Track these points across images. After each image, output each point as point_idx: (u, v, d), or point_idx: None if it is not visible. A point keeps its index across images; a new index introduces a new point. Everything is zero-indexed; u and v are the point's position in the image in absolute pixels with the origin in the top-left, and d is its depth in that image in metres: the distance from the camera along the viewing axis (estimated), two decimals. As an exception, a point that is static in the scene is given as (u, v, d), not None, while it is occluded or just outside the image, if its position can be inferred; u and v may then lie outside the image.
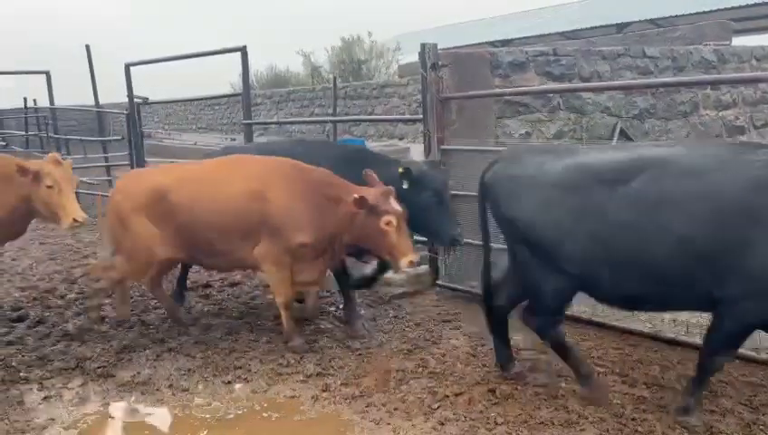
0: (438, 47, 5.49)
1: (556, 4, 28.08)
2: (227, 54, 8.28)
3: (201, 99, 19.08)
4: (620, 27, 19.78)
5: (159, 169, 5.35)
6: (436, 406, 3.63)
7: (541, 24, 24.02)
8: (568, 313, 4.05)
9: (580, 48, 6.70)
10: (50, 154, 5.31)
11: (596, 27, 20.65)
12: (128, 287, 5.16)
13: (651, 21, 18.72)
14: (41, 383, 4.10)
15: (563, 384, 3.83)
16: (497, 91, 5.58)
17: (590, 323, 4.71)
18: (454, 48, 6.97)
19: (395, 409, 3.63)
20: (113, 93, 11.84)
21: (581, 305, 4.71)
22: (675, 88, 7.06)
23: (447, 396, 3.73)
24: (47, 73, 11.98)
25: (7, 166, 5.03)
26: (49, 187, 4.89)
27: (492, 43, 20.63)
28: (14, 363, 4.36)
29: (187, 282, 6.21)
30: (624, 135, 6.40)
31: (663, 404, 3.54)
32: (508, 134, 5.74)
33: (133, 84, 9.32)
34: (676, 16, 18.09)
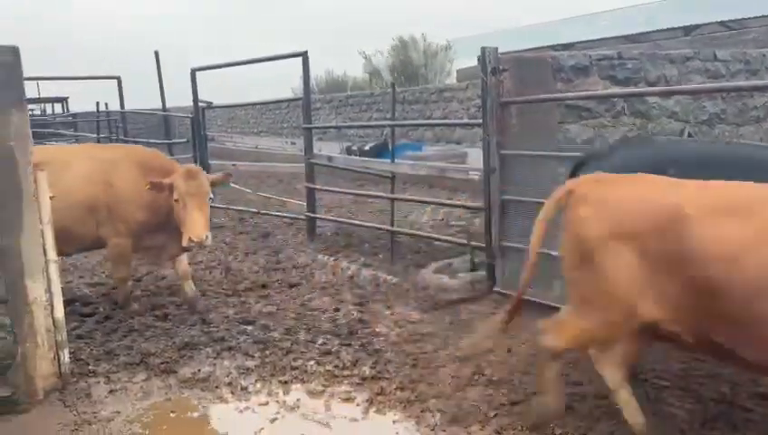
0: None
1: (617, 7, 27.37)
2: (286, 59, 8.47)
3: (263, 103, 19.48)
4: (688, 30, 19.12)
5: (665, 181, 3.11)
6: (492, 414, 3.57)
7: (603, 27, 23.45)
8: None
9: (645, 51, 6.49)
10: (186, 166, 5.28)
11: (662, 30, 20.02)
12: (561, 369, 3.48)
13: (721, 23, 18.00)
14: (107, 377, 4.25)
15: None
16: (559, 95, 5.45)
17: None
18: (513, 52, 6.88)
19: (451, 415, 3.60)
20: (172, 97, 12.23)
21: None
22: (747, 92, 6.75)
23: (504, 405, 3.67)
24: (118, 79, 12.49)
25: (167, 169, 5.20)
26: (175, 201, 4.96)
27: (552, 47, 20.28)
28: (83, 356, 4.53)
29: (246, 283, 6.37)
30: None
31: (733, 423, 3.38)
32: (570, 139, 5.60)
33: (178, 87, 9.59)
34: (748, 18, 17.32)
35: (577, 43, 21.59)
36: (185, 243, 4.90)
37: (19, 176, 3.73)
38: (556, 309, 5.04)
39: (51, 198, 4.02)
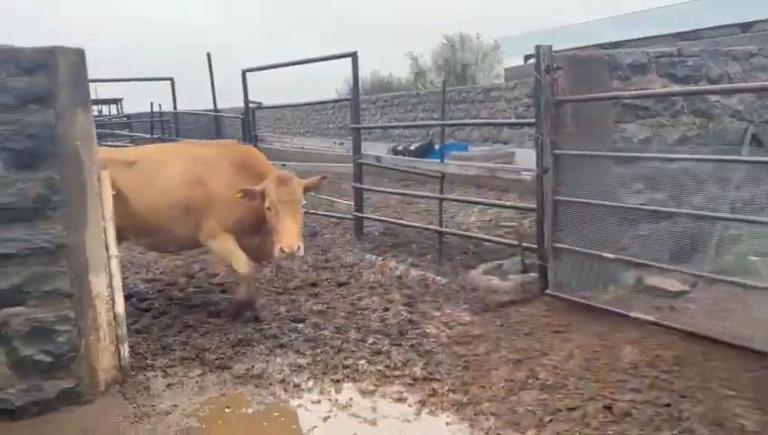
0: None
1: (665, 5, 26.60)
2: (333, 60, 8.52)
3: (311, 104, 19.66)
4: (745, 27, 18.47)
5: None
6: (548, 419, 3.51)
7: (655, 25, 22.85)
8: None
9: (706, 48, 6.29)
10: (278, 172, 5.11)
11: (717, 27, 19.40)
12: None
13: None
14: (164, 371, 4.35)
15: (686, 405, 3.59)
16: (615, 93, 5.34)
17: (716, 341, 4.37)
18: (568, 49, 6.75)
19: (505, 419, 3.55)
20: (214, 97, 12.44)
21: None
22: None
23: (560, 410, 3.59)
24: (171, 80, 12.80)
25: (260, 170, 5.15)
26: (267, 209, 4.82)
27: (601, 46, 19.87)
28: (140, 351, 4.65)
29: (296, 281, 6.44)
30: (756, 141, 5.94)
31: (804, 435, 3.24)
32: (627, 139, 5.47)
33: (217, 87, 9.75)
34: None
35: (626, 41, 21.12)
36: (276, 253, 4.75)
37: (84, 174, 3.84)
38: (609, 312, 4.96)
39: (113, 195, 4.13)
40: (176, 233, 5.27)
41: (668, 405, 3.57)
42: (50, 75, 3.66)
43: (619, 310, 4.94)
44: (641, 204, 5.43)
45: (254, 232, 5.21)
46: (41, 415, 3.74)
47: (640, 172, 5.50)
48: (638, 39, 20.88)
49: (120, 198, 5.03)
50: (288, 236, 4.69)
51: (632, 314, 4.77)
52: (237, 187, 4.92)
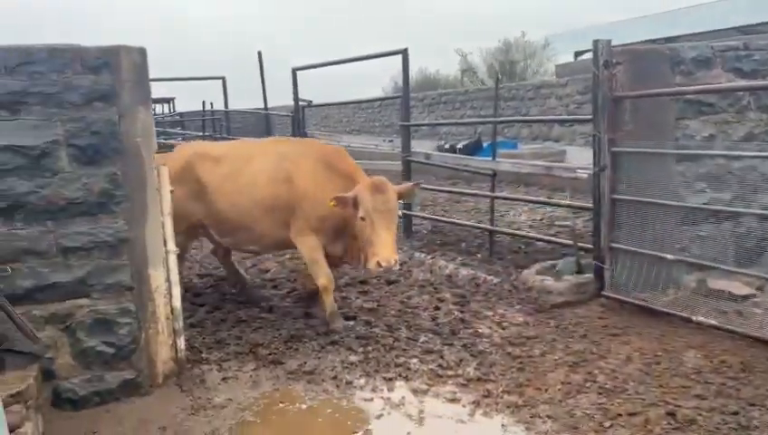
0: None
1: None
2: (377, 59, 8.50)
3: (360, 102, 19.74)
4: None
5: None
6: (608, 424, 3.41)
7: (711, 19, 22.05)
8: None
9: (775, 41, 6.01)
10: (372, 178, 4.76)
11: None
12: None
13: None
14: (219, 365, 4.41)
15: (755, 413, 3.44)
16: (678, 89, 5.15)
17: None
18: (622, 45, 6.55)
19: (562, 422, 3.47)
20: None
21: None
22: None
23: (620, 415, 3.49)
24: (223, 79, 13.02)
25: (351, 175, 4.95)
26: (361, 218, 4.51)
27: (653, 42, 19.28)
28: (196, 344, 4.73)
29: (345, 278, 6.45)
30: (828, 138, 5.65)
31: None
32: (689, 136, 5.28)
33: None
34: None
35: (681, 36, 20.44)
36: (371, 266, 4.44)
37: (144, 170, 3.93)
38: (669, 315, 4.80)
39: (171, 191, 4.21)
40: (263, 232, 5.14)
41: (736, 413, 3.43)
42: (114, 74, 3.76)
43: (680, 313, 4.77)
44: (704, 203, 5.24)
45: (339, 235, 5.02)
46: (102, 405, 3.85)
47: (703, 171, 5.31)
48: (694, 34, 20.20)
49: (205, 193, 5.17)
50: (385, 248, 4.37)
51: (695, 318, 4.60)
52: (324, 186, 4.80)
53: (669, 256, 5.02)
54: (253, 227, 5.13)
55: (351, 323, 5.14)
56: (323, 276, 4.97)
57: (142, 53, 3.90)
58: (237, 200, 5.10)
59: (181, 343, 4.26)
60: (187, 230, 5.36)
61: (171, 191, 4.24)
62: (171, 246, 4.19)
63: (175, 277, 4.21)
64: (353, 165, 5.18)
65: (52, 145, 3.65)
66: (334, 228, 4.96)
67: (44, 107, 3.63)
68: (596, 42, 5.19)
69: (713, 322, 4.55)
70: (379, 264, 4.37)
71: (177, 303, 4.23)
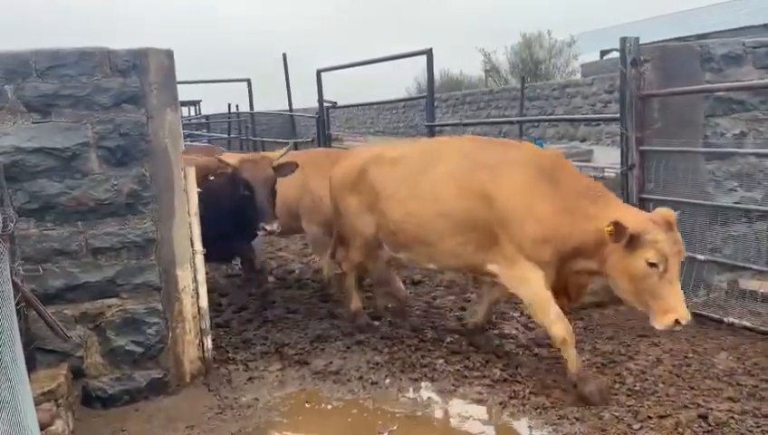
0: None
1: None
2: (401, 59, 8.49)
3: (384, 102, 19.75)
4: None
5: None
6: (637, 427, 3.35)
7: (740, 16, 21.62)
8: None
9: (809, 36, 5.86)
10: (660, 211, 3.57)
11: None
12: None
13: None
14: (246, 365, 4.44)
15: (791, 418, 3.35)
16: (707, 86, 5.05)
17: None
18: (649, 43, 6.46)
19: (590, 425, 3.42)
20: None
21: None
22: None
23: (650, 417, 3.43)
24: (248, 81, 13.12)
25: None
26: (651, 265, 3.40)
27: (681, 39, 18.94)
28: (222, 344, 4.77)
29: (370, 278, 6.44)
30: None
31: None
32: (719, 134, 5.17)
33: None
34: None
35: (710, 33, 20.05)
36: (666, 324, 3.41)
37: (172, 171, 3.97)
38: (700, 316, 4.71)
39: (198, 192, 4.24)
40: (442, 249, 4.25)
41: (771, 416, 3.35)
42: (142, 76, 3.81)
43: (711, 314, 4.68)
44: (735, 203, 5.12)
45: (567, 265, 3.91)
46: (131, 403, 3.90)
47: (734, 169, 5.19)
48: (723, 31, 19.81)
49: (378, 201, 4.50)
50: (682, 304, 3.41)
51: (727, 320, 4.51)
52: (538, 200, 3.83)
53: (700, 257, 4.92)
54: (436, 244, 4.25)
55: (377, 323, 5.14)
56: (560, 325, 3.75)
57: (169, 55, 3.95)
58: (415, 211, 4.29)
59: (208, 342, 4.30)
60: (365, 248, 4.86)
61: (199, 192, 4.28)
62: (198, 246, 4.23)
63: (201, 277, 4.25)
64: (585, 180, 4.11)
65: (82, 147, 3.71)
66: (563, 259, 3.86)
67: (74, 109, 3.69)
68: (623, 39, 5.12)
69: (745, 323, 4.46)
70: (678, 322, 3.38)
71: (204, 303, 4.27)
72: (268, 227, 4.74)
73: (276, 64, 12.22)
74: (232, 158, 5.11)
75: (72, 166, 3.71)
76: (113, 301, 3.84)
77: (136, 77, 3.79)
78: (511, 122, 14.32)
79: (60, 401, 3.40)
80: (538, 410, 3.63)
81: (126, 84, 3.77)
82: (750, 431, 3.25)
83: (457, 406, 3.78)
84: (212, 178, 4.78)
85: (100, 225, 3.78)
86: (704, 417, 3.37)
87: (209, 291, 5.77)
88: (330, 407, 3.87)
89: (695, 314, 4.75)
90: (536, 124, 17.87)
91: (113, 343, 3.85)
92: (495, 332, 4.88)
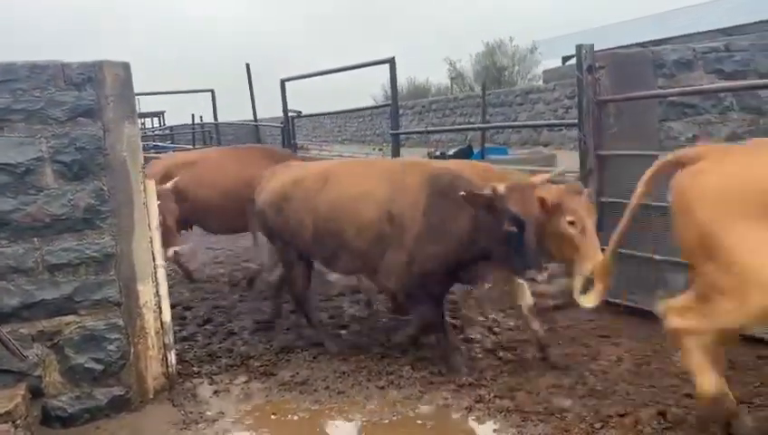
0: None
1: (701, 3, 25.87)
2: (367, 67, 8.54)
3: (350, 111, 19.79)
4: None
5: None
6: (599, 426, 3.41)
7: (695, 21, 22.28)
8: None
9: (756, 42, 6.07)
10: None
11: (763, 22, 18.77)
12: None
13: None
14: (211, 378, 4.39)
15: (745, 410, 3.44)
16: (661, 91, 5.19)
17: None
18: (607, 49, 6.61)
19: (554, 425, 3.47)
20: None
21: None
22: None
23: (611, 416, 3.49)
24: (212, 91, 13.03)
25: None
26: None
27: (642, 45, 19.42)
28: (187, 358, 4.71)
29: (338, 287, 6.44)
30: (811, 136, 5.70)
31: None
32: (673, 138, 5.31)
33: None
34: None
35: (668, 39, 20.60)
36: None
37: (131, 185, 3.92)
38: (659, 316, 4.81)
39: (157, 204, 4.20)
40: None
41: (726, 412, 3.43)
42: (97, 89, 3.76)
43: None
44: (690, 204, 5.26)
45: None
46: (92, 422, 3.82)
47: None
48: (680, 36, 20.37)
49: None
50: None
51: (684, 318, 4.61)
52: None
53: (657, 257, 5.04)
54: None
55: (343, 332, 5.14)
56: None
57: (126, 67, 3.91)
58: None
59: (172, 357, 4.24)
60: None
61: (158, 204, 4.24)
62: (160, 260, 4.18)
63: (164, 291, 4.20)
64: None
65: (36, 162, 3.65)
66: None
67: (28, 124, 3.63)
68: (579, 46, 5.24)
69: (702, 321, 4.55)
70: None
71: (167, 317, 4.22)
72: (539, 278, 3.94)
73: (268, 73, 12.16)
74: (493, 178, 4.27)
75: (26, 181, 3.63)
76: (71, 318, 3.76)
77: (91, 90, 3.74)
78: (474, 129, 14.49)
79: (18, 421, 3.32)
80: (503, 414, 3.67)
81: (81, 97, 3.72)
82: (707, 426, 3.33)
83: (424, 412, 3.80)
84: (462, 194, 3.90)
85: (56, 241, 3.71)
86: (662, 414, 3.45)
87: (173, 305, 5.74)
88: (296, 418, 3.85)
89: (654, 315, 4.87)
90: (500, 130, 18.13)
91: (72, 361, 3.77)
92: (461, 337, 4.91)
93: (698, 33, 19.94)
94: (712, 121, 5.47)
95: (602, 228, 5.27)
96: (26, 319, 3.66)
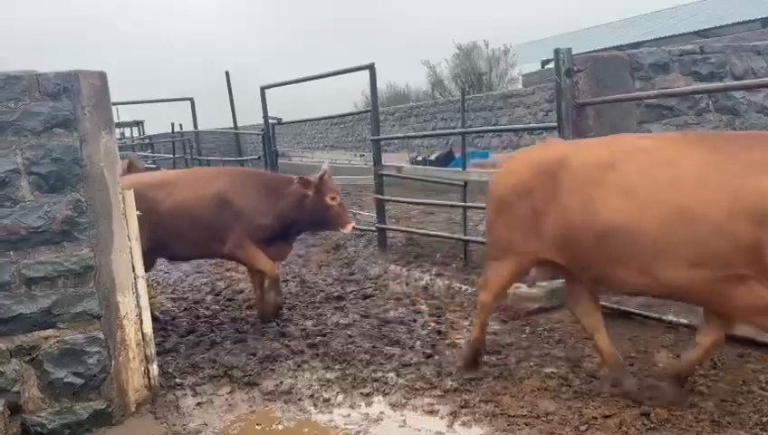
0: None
1: (680, 4, 26.30)
2: (349, 74, 8.55)
3: (330, 117, 19.83)
4: (766, 22, 18.20)
5: None
6: (584, 428, 3.42)
7: (672, 24, 22.63)
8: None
9: (730, 44, 6.18)
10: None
11: (737, 24, 19.12)
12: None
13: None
14: (194, 389, 4.34)
15: (728, 409, 3.48)
16: (638, 94, 5.26)
17: (754, 343, 4.24)
18: (585, 53, 6.70)
19: (539, 428, 3.48)
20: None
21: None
22: None
23: (596, 418, 3.51)
24: (191, 100, 12.95)
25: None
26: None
27: (619, 48, 19.69)
28: (170, 370, 4.65)
29: (321, 295, 6.42)
30: (785, 136, 5.81)
31: None
32: (651, 139, 5.38)
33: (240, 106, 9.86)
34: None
35: (644, 42, 20.89)
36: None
37: (109, 196, 3.87)
38: (642, 317, 4.86)
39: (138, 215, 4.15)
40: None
41: (709, 411, 3.47)
42: (73, 99, 3.70)
43: (651, 314, 4.84)
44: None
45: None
46: (73, 437, 3.75)
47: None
48: (657, 39, 20.66)
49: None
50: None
51: (666, 318, 4.67)
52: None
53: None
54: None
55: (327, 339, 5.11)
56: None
57: (102, 77, 3.86)
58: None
59: (154, 369, 4.19)
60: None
61: (138, 215, 4.19)
62: (140, 271, 4.13)
63: (145, 302, 4.15)
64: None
65: (11, 174, 3.58)
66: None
67: (2, 135, 3.56)
68: (557, 50, 5.29)
69: (683, 321, 4.62)
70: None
71: (149, 328, 4.16)
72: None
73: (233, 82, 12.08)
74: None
75: (1, 194, 3.57)
76: (50, 332, 3.69)
77: (67, 101, 3.69)
78: (454, 134, 14.55)
79: (-5, 439, 3.26)
80: (489, 418, 3.66)
81: (57, 108, 3.66)
82: (690, 426, 3.36)
83: (410, 418, 3.78)
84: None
85: (33, 254, 3.64)
86: (646, 415, 3.47)
87: (155, 316, 5.68)
88: (281, 427, 3.81)
89: (637, 316, 4.92)
90: (481, 135, 18.21)
91: (52, 376, 3.70)
92: (447, 341, 4.91)
93: (674, 36, 20.25)
94: (689, 123, 5.56)
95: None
96: (3, 334, 3.58)
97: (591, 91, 5.29)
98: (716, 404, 3.54)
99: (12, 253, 3.60)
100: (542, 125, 14.08)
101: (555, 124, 5.57)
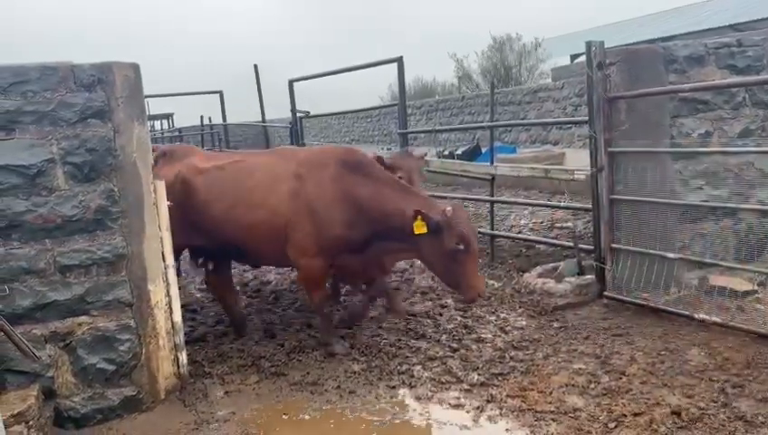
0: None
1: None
2: (375, 69, 8.54)
3: (357, 111, 19.78)
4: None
5: None
6: (613, 425, 3.38)
7: (704, 18, 22.10)
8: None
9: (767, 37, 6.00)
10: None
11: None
12: None
13: None
14: (222, 378, 4.39)
15: (762, 410, 3.41)
16: (671, 87, 5.15)
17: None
18: (617, 47, 6.57)
19: (567, 425, 3.44)
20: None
21: None
22: None
23: (625, 416, 3.46)
24: (220, 93, 13.06)
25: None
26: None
27: (650, 41, 19.30)
28: (198, 359, 4.71)
29: (347, 287, 6.43)
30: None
31: None
32: (685, 134, 5.27)
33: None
34: None
35: (677, 36, 20.44)
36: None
37: (141, 186, 3.93)
38: (672, 314, 4.78)
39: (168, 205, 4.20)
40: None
41: (741, 410, 3.40)
42: (107, 90, 3.77)
43: (682, 311, 4.76)
44: (703, 201, 5.22)
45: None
46: (104, 422, 3.83)
47: (700, 168, 5.30)
48: (689, 33, 20.22)
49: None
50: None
51: (697, 316, 4.58)
52: None
53: (670, 255, 5.00)
54: None
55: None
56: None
57: (135, 68, 3.91)
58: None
59: (183, 357, 4.25)
60: None
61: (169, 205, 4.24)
62: (170, 260, 4.18)
63: (175, 292, 4.20)
64: None
65: (47, 163, 3.66)
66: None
67: (39, 126, 3.64)
68: (589, 43, 5.21)
69: (716, 319, 4.53)
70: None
71: (178, 317, 4.22)
72: None
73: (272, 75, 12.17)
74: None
75: (37, 183, 3.64)
76: (84, 319, 3.77)
77: (101, 92, 3.75)
78: (483, 128, 14.44)
79: (31, 422, 3.33)
80: (515, 413, 3.64)
81: (91, 99, 3.73)
82: (722, 426, 3.30)
83: (435, 412, 3.78)
84: None
85: (68, 242, 3.72)
86: (677, 413, 3.42)
87: (184, 305, 5.75)
88: (307, 417, 3.84)
89: (667, 313, 4.84)
90: (509, 129, 18.04)
91: (85, 362, 3.78)
92: (473, 336, 4.89)
93: (708, 30, 19.79)
94: (724, 117, 5.42)
95: (619, 227, 5.27)
96: (39, 320, 3.67)
97: (624, 84, 5.19)
98: (751, 405, 3.47)
99: (47, 241, 3.68)
100: (572, 119, 13.88)
101: (586, 118, 5.49)
